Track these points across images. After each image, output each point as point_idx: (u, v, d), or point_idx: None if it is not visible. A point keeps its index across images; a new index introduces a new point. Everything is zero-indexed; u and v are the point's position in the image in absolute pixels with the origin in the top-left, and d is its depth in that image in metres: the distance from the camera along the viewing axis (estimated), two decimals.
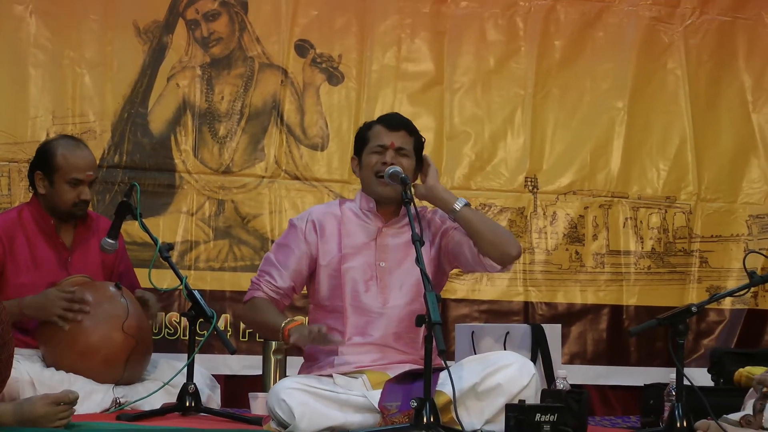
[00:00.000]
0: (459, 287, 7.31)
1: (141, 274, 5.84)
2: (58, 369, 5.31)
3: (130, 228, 5.77)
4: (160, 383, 5.40)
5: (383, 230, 5.02)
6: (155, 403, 5.25)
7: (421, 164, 5.05)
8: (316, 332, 4.66)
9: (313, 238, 5.02)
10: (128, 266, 5.89)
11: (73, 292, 5.34)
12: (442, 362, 4.31)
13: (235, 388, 6.67)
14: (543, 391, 4.95)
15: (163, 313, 5.86)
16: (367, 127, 5.08)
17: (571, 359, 7.30)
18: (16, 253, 5.58)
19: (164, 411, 5.09)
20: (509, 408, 4.36)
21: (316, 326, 4.71)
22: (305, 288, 5.13)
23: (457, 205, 4.90)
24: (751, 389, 4.91)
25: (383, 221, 5.03)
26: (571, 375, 5.82)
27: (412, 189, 4.85)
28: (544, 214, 7.45)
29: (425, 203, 5.07)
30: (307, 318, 5.24)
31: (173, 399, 5.16)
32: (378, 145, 4.96)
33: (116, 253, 5.61)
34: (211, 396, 5.51)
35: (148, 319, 5.64)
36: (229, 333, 6.93)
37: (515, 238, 5.05)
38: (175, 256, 6.73)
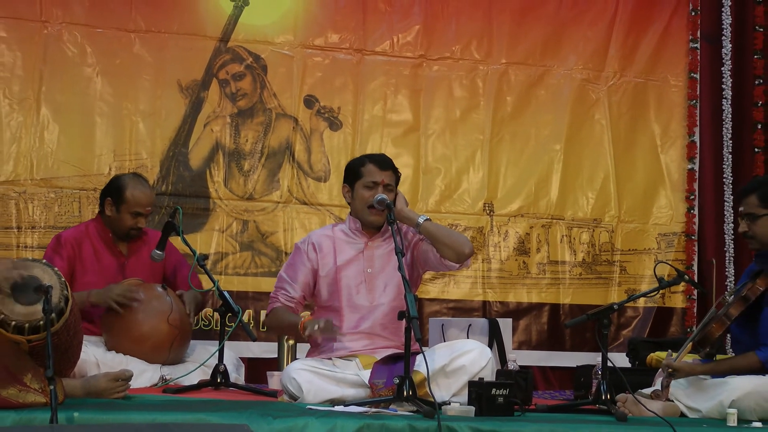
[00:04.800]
0: (432, 289, 7.30)
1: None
2: (117, 352, 5.30)
3: (174, 242, 5.75)
4: (197, 364, 5.39)
5: (369, 244, 5.04)
6: (193, 379, 5.23)
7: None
8: (322, 326, 4.70)
9: (314, 256, 5.04)
10: (179, 261, 5.83)
11: (128, 287, 5.36)
12: (419, 348, 4.32)
13: (256, 368, 6.65)
14: (497, 371, 4.96)
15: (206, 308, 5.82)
16: (360, 162, 5.07)
17: (520, 346, 7.29)
18: (83, 258, 5.58)
19: (200, 386, 5.08)
20: (471, 384, 4.35)
21: (323, 320, 4.75)
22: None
23: (420, 220, 4.92)
24: (660, 369, 4.92)
25: (368, 237, 5.05)
26: (519, 358, 5.84)
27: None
28: (498, 232, 7.45)
29: None
30: (311, 316, 5.23)
31: (208, 376, 5.15)
32: (371, 181, 4.97)
33: (165, 259, 5.59)
34: (237, 374, 5.51)
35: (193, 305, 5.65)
36: (251, 325, 6.92)
37: (469, 240, 5.05)
38: (209, 264, 6.73)
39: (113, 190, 5.65)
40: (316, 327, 4.72)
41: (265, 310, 6.77)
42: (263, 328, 6.96)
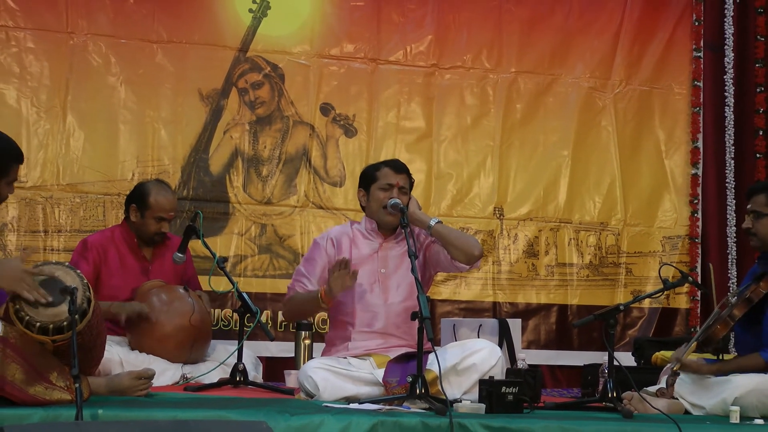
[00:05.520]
0: (444, 290, 7.30)
1: (203, 281, 5.85)
2: (140, 351, 5.32)
3: (195, 245, 5.76)
4: (217, 363, 5.40)
5: (383, 245, 5.03)
6: (213, 377, 5.25)
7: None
8: (338, 269, 4.73)
9: (332, 251, 5.03)
10: (193, 272, 5.89)
11: (148, 312, 5.36)
12: (431, 347, 4.31)
13: (274, 367, 6.65)
14: (507, 370, 4.96)
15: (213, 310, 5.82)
16: (376, 167, 5.08)
17: (529, 345, 7.28)
18: (109, 262, 5.60)
19: (220, 384, 5.09)
20: (482, 382, 4.34)
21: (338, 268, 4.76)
22: None
23: (431, 223, 4.91)
24: (665, 368, 4.91)
25: (383, 238, 5.04)
26: (528, 357, 5.84)
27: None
28: (508, 235, 7.43)
29: None
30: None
31: (227, 375, 5.17)
32: (387, 183, 4.97)
33: (184, 263, 5.62)
34: (256, 373, 5.51)
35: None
36: (269, 325, 6.92)
37: (479, 242, 5.04)
38: (228, 266, 6.73)
39: (138, 197, 5.67)
40: (333, 281, 4.73)
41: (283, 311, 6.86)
42: (281, 328, 6.96)
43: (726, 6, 7.77)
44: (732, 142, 7.73)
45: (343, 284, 4.75)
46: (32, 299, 3.79)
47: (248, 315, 5.23)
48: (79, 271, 3.96)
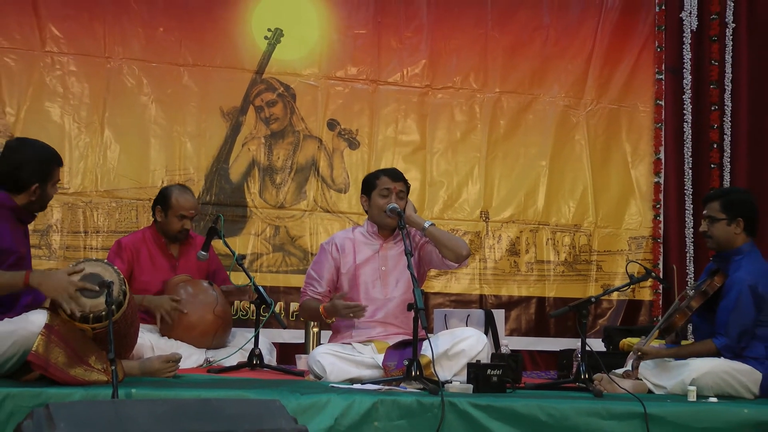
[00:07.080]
0: (436, 284, 7.30)
1: None
2: (169, 338, 5.32)
3: (217, 244, 5.76)
4: (236, 348, 5.40)
5: (383, 245, 5.04)
6: (233, 361, 5.24)
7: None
8: (340, 307, 4.75)
9: (337, 255, 5.05)
10: (218, 266, 5.87)
11: (179, 301, 5.35)
12: (425, 335, 4.32)
13: (286, 352, 6.65)
14: (492, 354, 4.95)
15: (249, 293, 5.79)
16: (375, 176, 5.09)
17: (511, 333, 7.27)
18: (140, 260, 5.59)
19: (239, 366, 5.09)
20: (470, 366, 4.35)
21: (339, 302, 4.77)
22: None
23: (425, 225, 4.92)
24: (631, 353, 4.92)
25: (383, 239, 5.05)
26: (511, 343, 5.85)
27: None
28: (493, 236, 7.44)
29: None
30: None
31: (245, 358, 5.16)
32: (385, 188, 4.98)
33: (208, 260, 5.62)
34: (270, 357, 5.51)
35: (244, 295, 5.65)
36: (282, 315, 6.92)
37: (467, 243, 5.06)
38: (246, 263, 6.74)
39: (161, 199, 5.68)
40: (332, 308, 4.77)
41: (294, 302, 6.88)
42: (292, 317, 6.97)
43: (684, 34, 7.78)
44: (690, 154, 7.73)
45: (348, 317, 4.82)
46: (68, 311, 3.81)
47: (264, 306, 5.23)
48: (116, 267, 3.97)
